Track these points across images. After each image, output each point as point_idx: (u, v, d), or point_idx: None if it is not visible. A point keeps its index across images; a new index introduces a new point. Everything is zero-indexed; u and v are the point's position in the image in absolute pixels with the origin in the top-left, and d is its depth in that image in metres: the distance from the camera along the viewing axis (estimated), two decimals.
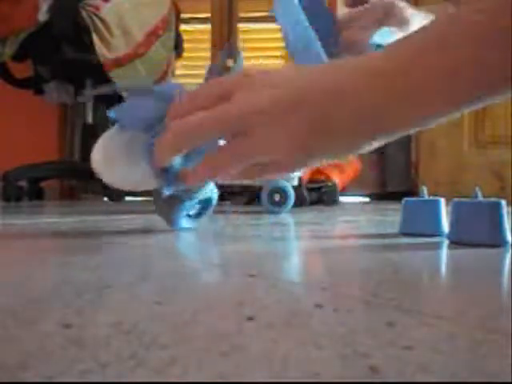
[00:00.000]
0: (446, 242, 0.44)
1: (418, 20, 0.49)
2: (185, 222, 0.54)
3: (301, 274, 0.32)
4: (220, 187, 0.57)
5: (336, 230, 0.58)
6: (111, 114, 0.42)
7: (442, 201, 0.49)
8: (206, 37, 2.24)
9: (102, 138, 0.42)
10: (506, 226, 0.42)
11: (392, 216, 0.62)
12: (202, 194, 0.52)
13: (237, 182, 0.97)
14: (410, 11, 0.49)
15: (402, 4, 0.50)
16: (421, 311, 0.21)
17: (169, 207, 0.53)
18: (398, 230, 0.51)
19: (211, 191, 0.54)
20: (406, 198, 0.51)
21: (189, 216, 0.55)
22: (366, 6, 0.51)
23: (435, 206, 0.49)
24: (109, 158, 0.41)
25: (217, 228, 0.60)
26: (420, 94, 0.27)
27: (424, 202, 0.50)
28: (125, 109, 0.43)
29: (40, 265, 0.35)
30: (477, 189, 0.43)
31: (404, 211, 0.51)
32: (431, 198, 0.50)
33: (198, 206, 0.55)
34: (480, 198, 0.43)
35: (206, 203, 0.55)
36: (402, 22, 0.49)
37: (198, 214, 0.56)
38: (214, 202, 0.55)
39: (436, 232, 0.48)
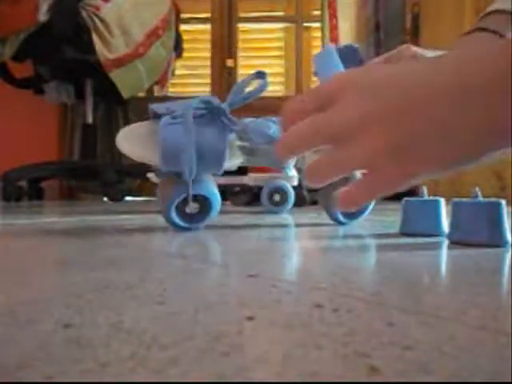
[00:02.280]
0: (446, 242, 0.44)
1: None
2: (177, 219, 0.54)
3: (301, 273, 0.32)
4: (219, 187, 0.57)
5: (336, 230, 0.58)
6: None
7: (442, 201, 0.49)
8: (206, 37, 2.24)
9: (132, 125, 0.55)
10: (506, 226, 0.42)
11: (392, 216, 0.62)
12: (199, 190, 0.52)
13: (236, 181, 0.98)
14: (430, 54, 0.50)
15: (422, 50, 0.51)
16: (421, 311, 0.21)
17: (163, 198, 0.54)
18: (398, 230, 0.51)
19: (210, 193, 0.54)
20: (405, 198, 0.51)
21: (184, 213, 0.54)
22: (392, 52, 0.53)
23: (435, 206, 0.49)
24: (130, 135, 0.54)
25: (217, 228, 0.60)
26: None
27: (424, 202, 0.50)
28: None
29: (40, 265, 0.35)
30: (477, 189, 0.43)
31: (404, 211, 0.51)
32: (431, 198, 0.50)
33: (195, 205, 0.55)
34: (480, 197, 0.43)
35: (204, 203, 0.55)
36: None
37: (199, 216, 0.55)
38: (216, 206, 0.55)
39: (436, 232, 0.48)
